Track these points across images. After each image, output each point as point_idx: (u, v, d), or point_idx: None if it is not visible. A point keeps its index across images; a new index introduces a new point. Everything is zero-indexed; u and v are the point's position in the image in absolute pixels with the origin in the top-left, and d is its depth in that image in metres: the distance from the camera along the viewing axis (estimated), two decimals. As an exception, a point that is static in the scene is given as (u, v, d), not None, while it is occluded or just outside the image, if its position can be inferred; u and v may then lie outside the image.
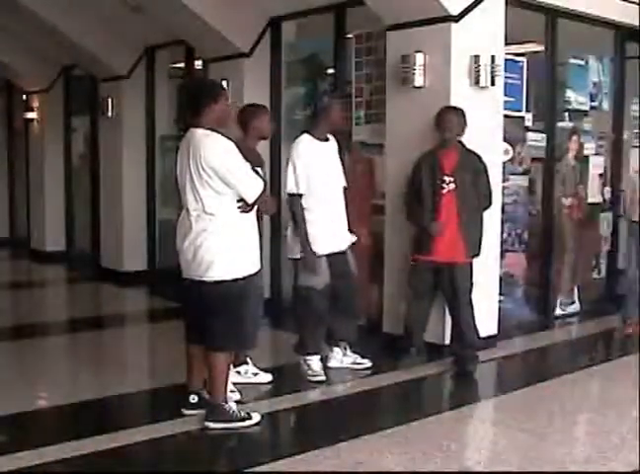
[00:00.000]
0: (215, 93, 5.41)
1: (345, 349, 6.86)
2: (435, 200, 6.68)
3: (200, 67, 10.24)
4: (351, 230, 6.73)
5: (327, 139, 6.61)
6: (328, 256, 6.50)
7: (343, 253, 6.63)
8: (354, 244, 6.76)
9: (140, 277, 11.24)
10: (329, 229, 6.49)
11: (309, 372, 6.54)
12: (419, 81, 7.10)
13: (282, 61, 9.24)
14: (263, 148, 8.25)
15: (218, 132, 5.27)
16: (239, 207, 5.25)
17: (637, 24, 9.11)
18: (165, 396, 6.22)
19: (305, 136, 6.52)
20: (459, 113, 6.76)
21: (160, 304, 10.04)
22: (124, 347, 8.52)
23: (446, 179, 6.66)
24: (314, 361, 6.57)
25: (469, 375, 6.75)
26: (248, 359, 6.38)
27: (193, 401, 5.58)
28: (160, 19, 9.49)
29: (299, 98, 9.14)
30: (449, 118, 6.70)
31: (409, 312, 7.02)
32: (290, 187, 6.42)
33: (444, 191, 6.66)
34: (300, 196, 6.41)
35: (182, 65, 10.83)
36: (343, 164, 6.84)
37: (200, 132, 5.23)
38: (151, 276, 11.32)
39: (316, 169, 6.43)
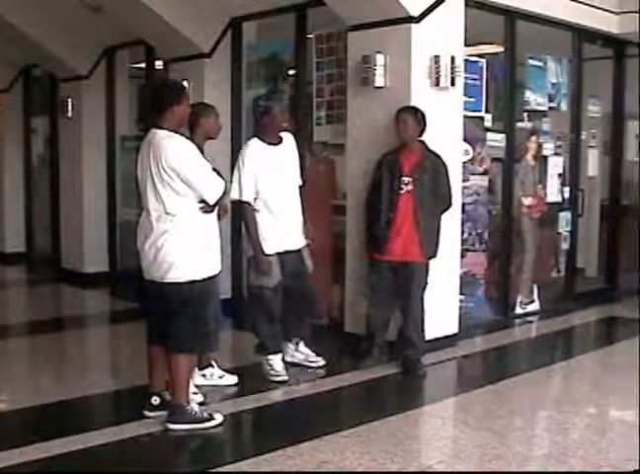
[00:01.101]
0: (177, 94, 5.40)
1: (297, 344, 6.88)
2: (392, 201, 6.70)
3: (160, 67, 10.21)
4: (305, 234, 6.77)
5: (279, 141, 6.59)
6: (280, 254, 6.52)
7: (297, 251, 6.67)
8: (308, 245, 6.80)
9: (101, 279, 11.17)
10: (279, 229, 6.50)
11: (272, 372, 6.55)
12: (379, 81, 7.13)
13: (243, 62, 9.22)
14: (224, 150, 8.31)
15: (179, 134, 5.28)
16: (201, 208, 5.26)
17: (594, 26, 9.26)
18: (127, 398, 6.21)
19: (254, 141, 6.52)
20: (416, 113, 6.75)
21: (121, 306, 9.98)
22: (86, 348, 8.48)
23: (405, 179, 6.67)
24: (276, 361, 6.58)
25: (417, 375, 6.76)
26: (213, 362, 6.37)
27: (155, 402, 5.56)
28: (120, 19, 9.43)
29: (260, 99, 9.13)
30: (404, 119, 6.71)
31: (370, 312, 7.04)
32: (234, 193, 6.40)
33: (402, 191, 6.67)
34: (246, 202, 6.42)
35: (142, 65, 10.78)
36: (301, 162, 6.85)
37: (161, 133, 5.23)
38: (112, 278, 11.26)
39: (264, 174, 6.42)
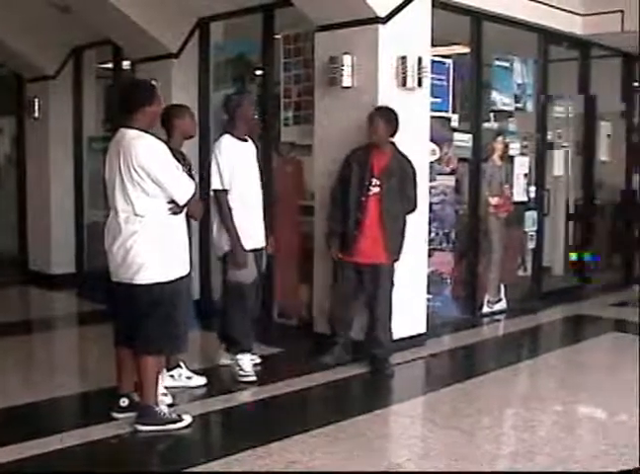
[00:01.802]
0: (149, 94, 5.37)
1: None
2: (360, 202, 6.73)
3: (128, 67, 10.18)
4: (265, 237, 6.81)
5: (246, 140, 6.66)
6: (253, 251, 6.56)
7: (260, 250, 6.72)
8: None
9: (68, 280, 11.11)
10: (252, 226, 6.56)
11: (241, 373, 6.55)
12: (347, 82, 7.16)
13: (211, 62, 9.22)
14: (191, 150, 8.28)
15: (150, 134, 5.26)
16: (170, 209, 5.25)
17: (559, 27, 9.37)
18: (95, 400, 6.18)
19: (227, 136, 6.56)
20: (388, 114, 6.76)
21: (88, 307, 9.92)
22: (54, 350, 8.42)
23: (374, 181, 6.70)
24: (245, 361, 6.58)
25: (385, 374, 6.79)
26: (181, 363, 6.36)
27: (123, 404, 5.54)
28: (88, 19, 9.38)
29: (228, 99, 9.13)
30: (374, 121, 6.72)
31: (333, 311, 7.08)
32: (216, 183, 6.45)
33: (371, 193, 6.70)
34: (226, 191, 6.44)
35: (110, 66, 10.74)
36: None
37: (131, 133, 5.20)
38: (79, 279, 11.20)
39: (239, 167, 6.49)
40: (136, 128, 5.21)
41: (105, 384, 6.07)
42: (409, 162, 6.83)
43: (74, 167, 11.30)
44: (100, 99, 11.39)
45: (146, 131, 5.24)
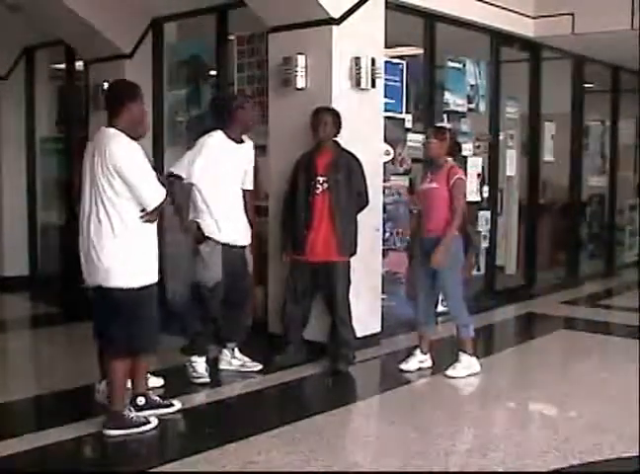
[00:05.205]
0: (134, 92, 5.34)
1: (232, 350, 6.87)
2: (308, 201, 6.77)
3: (81, 68, 10.11)
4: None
5: (242, 141, 6.58)
6: (224, 247, 6.46)
7: (240, 249, 6.61)
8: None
9: (22, 283, 11.02)
10: (226, 222, 6.46)
11: (194, 374, 6.55)
12: (300, 83, 7.19)
13: (165, 63, 9.20)
14: (147, 152, 8.24)
15: (126, 134, 5.19)
16: (141, 217, 5.17)
17: (511, 29, 9.47)
18: (52, 402, 6.15)
19: (219, 133, 6.48)
20: (333, 113, 6.83)
21: (42, 310, 9.86)
22: (8, 353, 8.32)
23: (320, 179, 6.75)
24: (199, 363, 6.58)
25: (341, 374, 6.81)
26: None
27: (140, 403, 5.60)
28: (39, 18, 9.31)
29: (182, 100, 9.12)
30: (322, 119, 6.77)
31: (286, 310, 7.10)
32: (179, 170, 6.40)
33: (318, 191, 6.75)
34: (180, 178, 6.37)
35: (63, 66, 10.67)
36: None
37: (110, 131, 5.17)
38: (33, 282, 11.11)
39: (214, 166, 6.38)
40: (117, 128, 5.17)
41: (61, 387, 6.04)
42: (354, 157, 6.87)
43: (27, 168, 11.20)
44: (52, 99, 11.31)
45: (124, 132, 5.18)
